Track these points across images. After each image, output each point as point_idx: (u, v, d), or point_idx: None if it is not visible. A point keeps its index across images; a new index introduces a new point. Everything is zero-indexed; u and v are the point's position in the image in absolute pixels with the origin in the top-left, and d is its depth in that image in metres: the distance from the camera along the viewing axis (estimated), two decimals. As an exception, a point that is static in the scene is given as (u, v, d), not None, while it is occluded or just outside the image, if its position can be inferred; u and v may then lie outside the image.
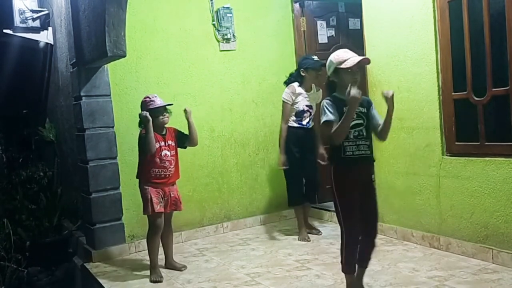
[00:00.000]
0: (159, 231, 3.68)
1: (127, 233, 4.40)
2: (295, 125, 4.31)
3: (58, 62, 5.51)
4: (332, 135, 2.68)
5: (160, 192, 3.65)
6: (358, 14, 4.68)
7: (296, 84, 4.28)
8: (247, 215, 5.07)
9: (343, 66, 2.74)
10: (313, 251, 4.08)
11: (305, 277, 3.47)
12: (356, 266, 2.91)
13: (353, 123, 2.72)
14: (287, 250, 4.16)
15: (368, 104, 2.88)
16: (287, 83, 4.36)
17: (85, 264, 4.22)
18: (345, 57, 2.76)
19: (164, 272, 3.77)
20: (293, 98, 4.25)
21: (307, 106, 4.29)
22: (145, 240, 3.75)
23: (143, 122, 3.54)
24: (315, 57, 4.32)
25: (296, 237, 4.46)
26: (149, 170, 3.61)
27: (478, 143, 3.48)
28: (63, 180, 5.77)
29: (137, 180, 3.75)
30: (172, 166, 3.68)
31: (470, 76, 3.51)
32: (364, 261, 2.94)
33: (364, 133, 2.79)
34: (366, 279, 3.25)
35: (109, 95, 4.31)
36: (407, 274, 3.35)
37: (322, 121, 2.76)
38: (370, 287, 3.19)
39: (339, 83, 2.79)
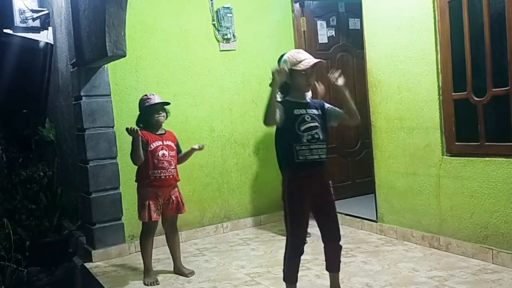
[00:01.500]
0: (152, 235, 3.64)
1: (127, 233, 4.40)
2: None
3: (58, 62, 5.51)
4: (268, 117, 2.53)
5: (160, 199, 3.55)
6: (358, 14, 4.68)
7: None
8: (247, 215, 5.07)
9: (297, 67, 2.63)
10: (313, 251, 4.08)
11: (305, 277, 3.46)
12: (329, 271, 2.90)
13: (305, 126, 2.63)
14: (287, 250, 4.16)
15: (320, 106, 2.77)
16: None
17: (85, 264, 4.22)
18: (300, 58, 2.65)
19: (163, 271, 3.76)
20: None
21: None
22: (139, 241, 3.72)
23: (144, 122, 3.51)
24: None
25: None
26: (148, 172, 3.49)
27: (478, 143, 3.48)
28: (63, 180, 5.77)
29: (136, 181, 3.66)
30: (172, 167, 3.55)
31: (470, 76, 3.51)
32: (334, 265, 2.88)
33: (320, 136, 2.67)
34: (366, 279, 3.26)
35: (109, 95, 4.31)
36: (407, 274, 3.35)
37: None
38: (370, 287, 3.19)
39: (293, 86, 2.68)
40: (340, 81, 2.67)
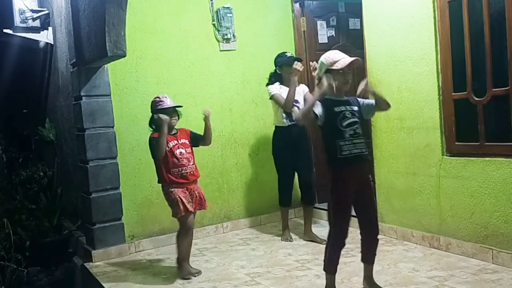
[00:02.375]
0: (191, 230, 3.65)
1: (127, 233, 4.40)
2: (288, 123, 4.24)
3: (58, 62, 5.51)
4: (301, 115, 2.80)
5: (187, 192, 3.61)
6: (358, 14, 4.68)
7: (277, 83, 4.29)
8: (247, 215, 5.07)
9: (334, 67, 2.75)
10: (313, 251, 4.08)
11: (305, 277, 3.46)
12: (364, 263, 3.03)
13: (348, 121, 2.77)
14: (287, 250, 4.16)
15: (357, 102, 2.92)
16: (269, 84, 4.34)
17: (85, 264, 4.22)
18: (336, 58, 2.77)
19: (164, 271, 3.76)
20: (280, 91, 4.22)
21: (293, 100, 4.19)
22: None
23: (157, 124, 3.51)
24: (288, 53, 4.37)
25: (296, 237, 4.46)
26: (170, 171, 3.56)
27: (478, 143, 3.48)
28: (63, 180, 5.77)
29: (159, 183, 3.67)
30: (191, 164, 3.63)
31: (470, 76, 3.51)
32: (369, 257, 3.01)
33: (360, 131, 2.81)
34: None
35: (109, 95, 4.31)
36: (407, 274, 3.35)
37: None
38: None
39: (331, 84, 2.79)
40: (369, 88, 2.88)
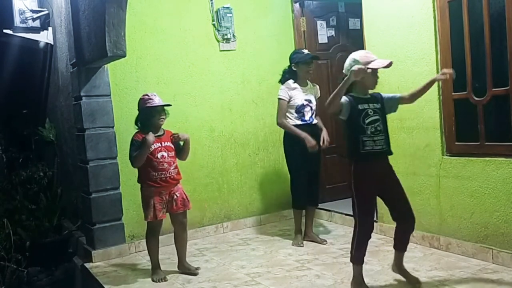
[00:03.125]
0: (157, 234, 3.65)
1: (127, 233, 4.40)
2: (298, 122, 4.12)
3: (58, 62, 5.51)
4: (329, 101, 2.85)
5: (164, 197, 3.55)
6: (358, 14, 4.68)
7: (291, 81, 4.16)
8: (247, 215, 5.07)
9: (370, 66, 2.85)
10: (313, 251, 4.08)
11: (305, 277, 3.46)
12: (395, 250, 3.13)
13: (369, 119, 2.90)
14: (287, 250, 4.16)
15: (381, 99, 3.03)
16: (282, 81, 4.23)
17: (85, 264, 4.22)
18: (371, 58, 2.89)
19: (164, 272, 3.76)
20: (289, 94, 4.11)
21: (306, 100, 4.13)
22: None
23: (144, 123, 3.50)
24: (305, 51, 4.21)
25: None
26: (149, 174, 3.51)
27: (478, 143, 3.48)
28: (63, 180, 5.77)
29: (138, 182, 3.64)
30: (172, 168, 3.56)
31: (470, 76, 3.51)
32: (403, 245, 3.10)
33: (381, 128, 2.93)
34: (366, 279, 3.25)
35: (109, 95, 4.31)
36: (407, 274, 3.35)
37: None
38: (371, 287, 3.18)
39: (360, 83, 2.90)
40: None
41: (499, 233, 3.35)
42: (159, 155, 3.52)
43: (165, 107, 3.59)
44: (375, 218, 3.04)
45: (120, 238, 4.34)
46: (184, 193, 3.67)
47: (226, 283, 3.49)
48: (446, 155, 3.70)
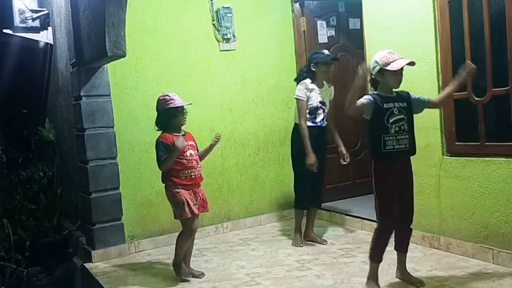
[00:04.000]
0: (194, 233, 3.58)
1: (127, 233, 4.39)
2: (309, 124, 4.06)
3: (58, 62, 5.51)
4: (346, 106, 2.89)
5: (192, 194, 3.53)
6: (358, 14, 4.68)
7: (308, 80, 4.06)
8: (247, 215, 5.07)
9: (389, 68, 2.87)
10: (313, 251, 4.08)
11: (305, 277, 3.46)
12: (398, 251, 3.16)
13: (394, 118, 2.91)
14: (287, 250, 4.16)
15: (407, 98, 3.03)
16: (298, 79, 4.14)
17: (85, 264, 4.22)
18: (391, 58, 2.89)
19: (164, 272, 3.76)
20: (307, 94, 4.02)
21: (320, 102, 4.06)
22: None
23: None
24: (326, 51, 4.11)
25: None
26: (179, 172, 3.46)
27: (478, 143, 3.48)
28: (63, 180, 5.77)
29: (163, 182, 3.57)
30: (199, 166, 3.57)
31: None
32: (404, 246, 3.14)
33: (405, 127, 2.94)
34: (366, 280, 3.25)
35: (109, 95, 4.30)
36: (407, 274, 3.34)
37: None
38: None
39: (382, 83, 2.95)
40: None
41: (499, 233, 3.35)
42: (188, 153, 3.49)
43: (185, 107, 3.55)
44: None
45: (120, 238, 4.34)
46: (205, 195, 3.67)
47: (226, 283, 3.49)
48: (446, 155, 3.70)
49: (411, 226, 3.12)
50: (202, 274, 3.66)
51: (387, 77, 2.93)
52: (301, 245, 4.23)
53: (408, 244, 3.15)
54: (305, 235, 4.34)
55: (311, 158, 3.95)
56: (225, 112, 4.94)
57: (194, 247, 4.41)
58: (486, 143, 3.43)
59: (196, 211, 3.49)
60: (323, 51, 4.11)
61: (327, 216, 5.02)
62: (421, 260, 3.60)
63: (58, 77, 5.59)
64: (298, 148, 4.11)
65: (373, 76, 2.99)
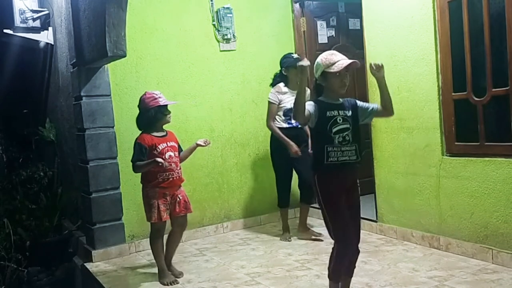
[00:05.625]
0: (162, 236, 3.56)
1: (127, 233, 4.40)
2: (285, 125, 4.29)
3: (58, 62, 5.51)
4: (293, 114, 2.64)
5: (168, 198, 3.49)
6: (358, 14, 4.68)
7: (281, 84, 4.33)
8: (247, 215, 5.07)
9: (331, 69, 2.63)
10: (313, 251, 4.08)
11: (305, 277, 3.47)
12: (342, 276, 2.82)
13: (337, 128, 2.64)
14: (287, 250, 4.17)
15: (352, 105, 2.76)
16: (273, 84, 4.41)
17: (85, 264, 4.23)
18: (333, 59, 2.64)
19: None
20: (279, 97, 4.28)
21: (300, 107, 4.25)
22: (147, 240, 3.63)
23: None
24: (295, 55, 4.39)
25: (295, 237, 4.46)
26: (156, 174, 3.41)
27: (478, 143, 3.48)
28: (64, 180, 5.77)
29: (141, 183, 3.56)
30: (178, 168, 3.51)
31: (470, 76, 3.51)
32: (350, 270, 2.85)
33: (350, 138, 2.66)
34: (366, 279, 3.26)
35: (109, 95, 4.31)
36: (407, 274, 3.35)
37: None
38: (370, 287, 3.19)
39: (326, 87, 2.69)
40: (381, 72, 2.76)
41: (499, 233, 3.35)
42: (167, 155, 3.44)
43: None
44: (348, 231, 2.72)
45: (120, 238, 4.34)
46: (186, 196, 3.63)
47: (226, 283, 3.49)
48: (446, 155, 3.70)
49: (359, 248, 2.81)
50: (181, 274, 3.66)
51: (330, 80, 2.65)
52: (289, 239, 4.42)
53: (355, 267, 2.86)
54: (298, 231, 4.50)
55: (292, 147, 4.20)
56: (225, 112, 4.95)
57: (194, 246, 4.46)
58: (486, 143, 3.43)
59: (164, 218, 3.45)
60: (292, 55, 4.39)
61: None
62: (421, 260, 3.61)
63: (58, 77, 5.59)
64: (275, 148, 4.41)
65: (316, 81, 2.73)
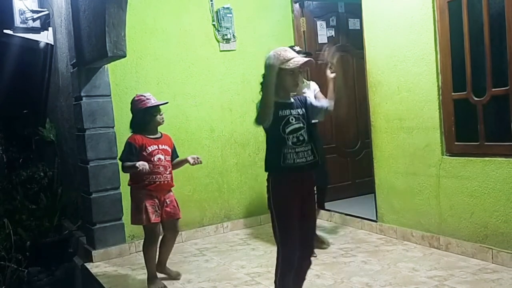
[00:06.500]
0: (156, 241, 3.46)
1: (127, 233, 4.40)
2: None
3: (58, 62, 5.52)
4: (257, 120, 2.46)
5: (156, 201, 3.40)
6: (358, 14, 4.68)
7: None
8: (247, 215, 5.08)
9: (285, 66, 2.44)
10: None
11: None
12: None
13: (290, 128, 2.48)
14: (287, 250, 4.16)
15: (303, 103, 2.61)
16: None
17: (85, 264, 4.23)
18: (288, 56, 2.46)
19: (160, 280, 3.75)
20: None
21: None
22: (142, 248, 3.57)
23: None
24: (297, 48, 4.08)
25: None
26: (142, 176, 3.32)
27: (478, 143, 3.48)
28: (64, 180, 5.78)
29: (129, 185, 3.50)
30: (167, 172, 3.43)
31: (469, 76, 3.51)
32: (299, 283, 2.67)
33: (305, 138, 2.51)
34: (366, 279, 3.26)
35: (109, 95, 4.31)
36: (407, 274, 3.35)
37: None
38: (370, 287, 3.19)
39: (278, 84, 2.45)
40: (332, 75, 2.80)
41: (499, 233, 3.35)
42: (156, 157, 3.37)
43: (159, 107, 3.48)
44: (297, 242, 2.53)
45: (120, 238, 4.35)
46: (176, 201, 3.53)
47: (226, 283, 3.49)
48: (446, 155, 3.70)
49: (311, 259, 2.64)
50: (179, 275, 3.63)
51: (283, 78, 2.46)
52: None
53: (305, 279, 2.68)
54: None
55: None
56: (225, 112, 4.95)
57: (194, 246, 4.46)
58: (486, 143, 3.43)
59: (153, 220, 3.35)
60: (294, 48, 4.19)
61: (327, 216, 5.03)
62: (421, 259, 3.61)
63: (58, 78, 5.60)
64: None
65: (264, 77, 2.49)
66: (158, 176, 3.39)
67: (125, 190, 4.36)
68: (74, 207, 5.24)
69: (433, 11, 3.67)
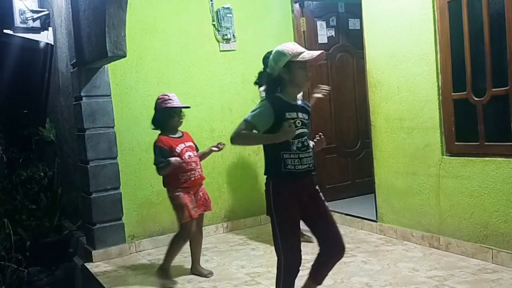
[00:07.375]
0: (189, 237, 3.52)
1: (127, 233, 4.40)
2: None
3: (58, 62, 5.52)
4: (237, 136, 2.45)
5: (192, 197, 3.49)
6: (358, 14, 4.68)
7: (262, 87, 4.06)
8: (247, 215, 5.07)
9: (299, 58, 2.32)
10: (313, 251, 4.05)
11: (305, 277, 3.45)
12: (310, 280, 2.62)
13: (297, 132, 2.36)
14: (287, 250, 4.16)
15: (309, 109, 2.53)
16: (259, 84, 4.05)
17: (85, 264, 4.23)
18: (299, 50, 2.35)
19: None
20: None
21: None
22: (148, 240, 3.62)
23: (161, 124, 3.42)
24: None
25: None
26: (179, 175, 3.41)
27: (478, 143, 3.48)
28: (64, 180, 5.78)
29: (165, 186, 3.54)
30: (199, 167, 3.52)
31: (469, 76, 3.51)
32: (322, 277, 2.62)
33: (308, 144, 2.45)
34: (366, 279, 3.26)
35: (109, 95, 4.31)
36: (407, 274, 3.35)
37: (245, 117, 2.45)
38: (370, 287, 3.19)
39: (289, 80, 2.38)
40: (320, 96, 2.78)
41: (499, 233, 3.35)
42: (186, 155, 3.45)
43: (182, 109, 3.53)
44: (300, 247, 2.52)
45: (120, 238, 4.35)
46: (207, 194, 3.64)
47: (226, 283, 3.49)
48: (446, 155, 3.70)
49: (343, 254, 2.56)
50: (211, 273, 3.64)
51: (296, 72, 2.34)
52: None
53: (326, 276, 2.63)
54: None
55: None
56: (225, 112, 4.95)
57: (194, 246, 4.45)
58: (486, 143, 3.44)
59: (194, 215, 3.44)
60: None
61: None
62: (421, 259, 3.61)
63: (58, 78, 5.60)
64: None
65: (276, 74, 2.41)
66: (193, 172, 3.48)
67: (125, 190, 4.38)
68: (74, 207, 5.24)
69: (433, 11, 3.67)
